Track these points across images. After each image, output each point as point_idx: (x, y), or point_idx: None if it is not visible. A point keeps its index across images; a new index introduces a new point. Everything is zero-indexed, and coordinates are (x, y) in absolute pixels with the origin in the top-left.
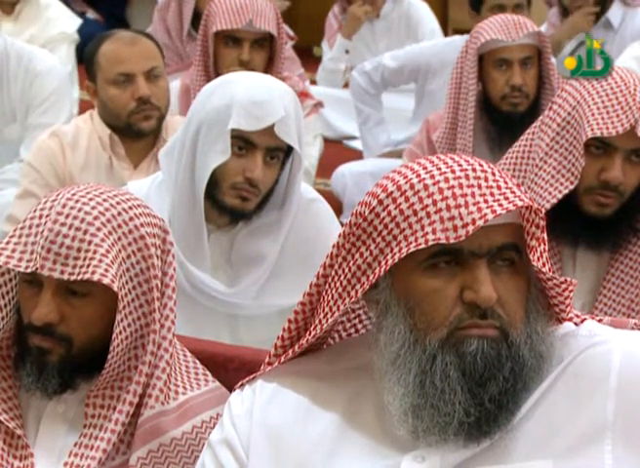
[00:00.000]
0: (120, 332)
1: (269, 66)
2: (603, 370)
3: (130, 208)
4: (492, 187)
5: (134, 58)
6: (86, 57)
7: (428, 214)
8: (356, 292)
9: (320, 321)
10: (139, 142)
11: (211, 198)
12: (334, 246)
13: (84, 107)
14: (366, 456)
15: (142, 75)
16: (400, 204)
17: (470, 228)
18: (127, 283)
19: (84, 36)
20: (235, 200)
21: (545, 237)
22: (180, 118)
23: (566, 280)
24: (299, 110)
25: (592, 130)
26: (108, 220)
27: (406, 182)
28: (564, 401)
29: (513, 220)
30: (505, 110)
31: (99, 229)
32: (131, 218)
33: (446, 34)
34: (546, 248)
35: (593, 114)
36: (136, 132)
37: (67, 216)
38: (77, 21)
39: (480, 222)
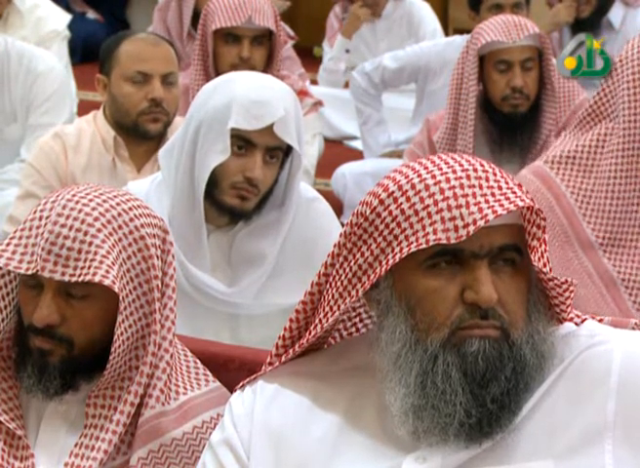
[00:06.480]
0: (122, 334)
1: (268, 64)
2: (603, 369)
3: (130, 208)
4: (493, 187)
5: (155, 59)
6: (103, 50)
7: (429, 214)
8: (357, 291)
9: (321, 320)
10: (142, 145)
11: (210, 198)
12: (335, 245)
13: (83, 107)
14: (367, 457)
15: (160, 78)
16: (401, 203)
17: (471, 228)
18: (128, 284)
19: (84, 36)
20: (235, 200)
21: (547, 238)
22: (180, 119)
23: (567, 280)
24: (298, 110)
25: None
26: (109, 221)
27: (407, 182)
28: (565, 401)
29: (514, 221)
30: (506, 111)
31: (99, 230)
32: (131, 219)
33: (446, 34)
34: (547, 248)
35: None
36: (141, 133)
37: (67, 218)
38: (67, 17)
39: (481, 223)
